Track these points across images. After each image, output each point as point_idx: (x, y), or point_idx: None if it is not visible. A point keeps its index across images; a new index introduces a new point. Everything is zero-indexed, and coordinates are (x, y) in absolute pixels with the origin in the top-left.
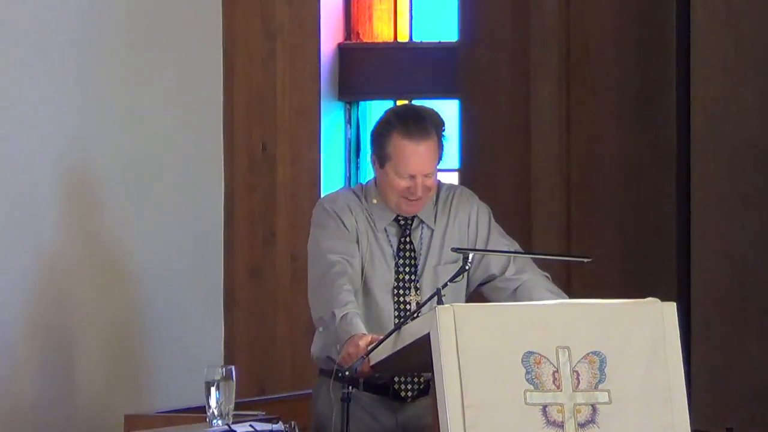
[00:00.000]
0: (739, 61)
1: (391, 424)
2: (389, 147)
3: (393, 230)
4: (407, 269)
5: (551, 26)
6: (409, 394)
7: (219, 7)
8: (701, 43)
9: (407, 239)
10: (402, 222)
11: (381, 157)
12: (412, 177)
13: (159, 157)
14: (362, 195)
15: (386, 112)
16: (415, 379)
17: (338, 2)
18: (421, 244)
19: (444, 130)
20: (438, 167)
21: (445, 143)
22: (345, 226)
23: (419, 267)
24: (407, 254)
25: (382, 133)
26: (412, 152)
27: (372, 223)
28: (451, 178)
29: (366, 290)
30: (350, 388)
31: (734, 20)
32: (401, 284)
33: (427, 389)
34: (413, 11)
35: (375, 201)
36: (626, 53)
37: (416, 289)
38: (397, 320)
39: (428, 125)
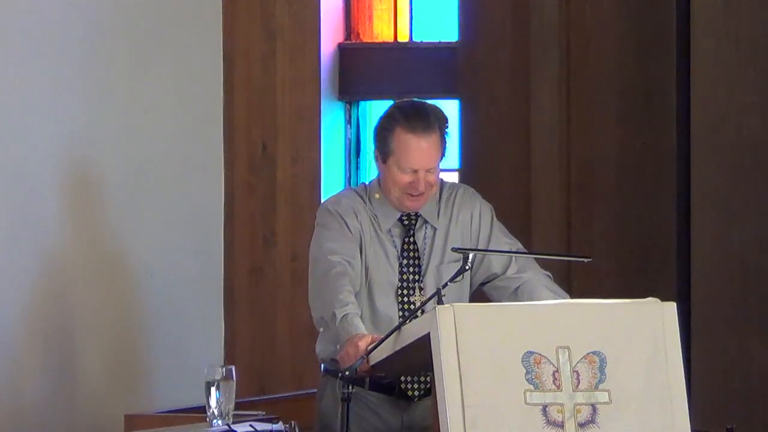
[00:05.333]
0: (739, 61)
1: (396, 423)
2: (392, 142)
3: (397, 231)
4: (411, 269)
5: (551, 26)
6: (416, 393)
7: (219, 7)
8: (701, 43)
9: (411, 239)
10: (406, 222)
11: (384, 153)
12: (415, 172)
13: (159, 157)
14: (366, 196)
15: (390, 107)
16: (422, 378)
17: (338, 2)
18: (425, 243)
19: (447, 126)
20: (441, 164)
21: (448, 139)
22: (348, 228)
23: (423, 267)
24: (411, 254)
25: (385, 127)
26: (415, 147)
27: (376, 225)
28: (452, 178)
29: (370, 292)
30: (350, 387)
31: (734, 20)
32: (405, 284)
33: None
34: (413, 11)
35: (377, 196)
36: (626, 53)
37: (420, 289)
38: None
39: (431, 120)
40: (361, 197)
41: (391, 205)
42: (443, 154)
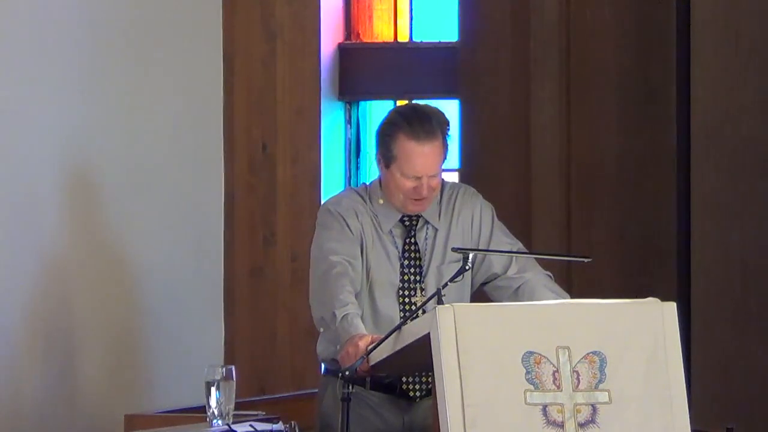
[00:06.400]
0: (739, 61)
1: (398, 423)
2: (395, 148)
3: (398, 231)
4: (412, 270)
5: (551, 26)
6: (417, 393)
7: (219, 7)
8: (701, 43)
9: (412, 240)
10: (407, 223)
11: (387, 158)
12: (418, 178)
13: (159, 157)
14: (367, 196)
15: (390, 112)
16: (423, 379)
17: (338, 2)
18: (426, 244)
19: (449, 129)
20: (442, 166)
21: (449, 142)
22: (349, 228)
23: (424, 268)
24: (412, 255)
25: (387, 133)
26: (418, 154)
27: (377, 226)
28: (452, 178)
29: (371, 292)
30: (351, 387)
31: (734, 20)
32: (406, 285)
33: None
34: (413, 11)
35: (381, 201)
36: (626, 53)
37: (422, 289)
38: None
39: (434, 125)
40: (362, 197)
41: (394, 208)
42: (445, 158)
